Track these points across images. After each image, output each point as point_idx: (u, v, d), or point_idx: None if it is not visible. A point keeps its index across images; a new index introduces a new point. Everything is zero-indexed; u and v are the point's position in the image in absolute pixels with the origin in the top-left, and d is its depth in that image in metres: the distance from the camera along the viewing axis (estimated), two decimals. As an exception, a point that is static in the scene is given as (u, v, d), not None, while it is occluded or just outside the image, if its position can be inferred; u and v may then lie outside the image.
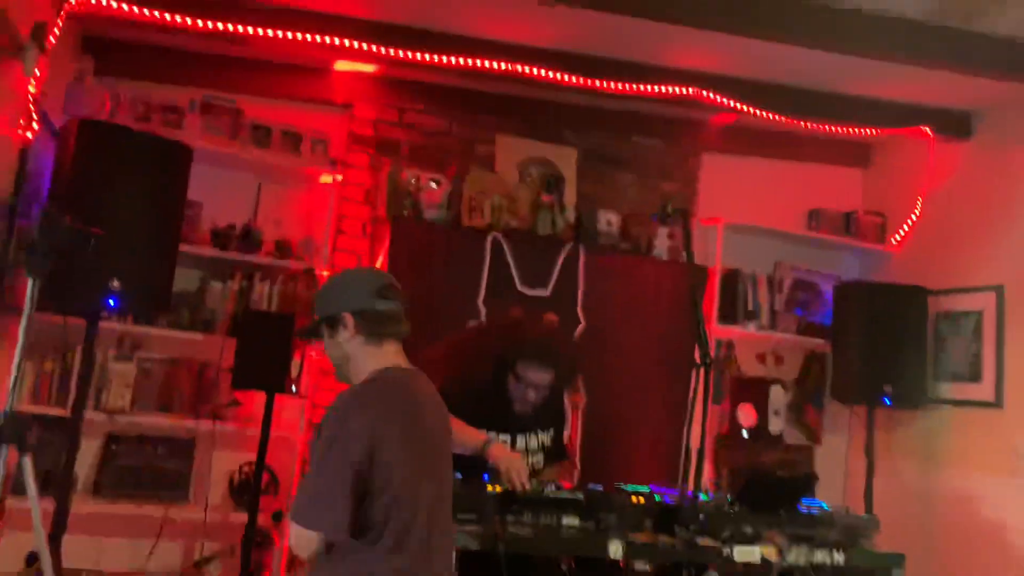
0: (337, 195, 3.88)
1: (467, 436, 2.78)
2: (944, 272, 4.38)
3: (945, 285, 4.35)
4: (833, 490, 4.34)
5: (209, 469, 3.54)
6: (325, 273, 3.74)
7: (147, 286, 2.89)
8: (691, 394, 2.81)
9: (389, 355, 2.09)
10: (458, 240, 3.73)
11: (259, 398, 3.51)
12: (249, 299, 3.59)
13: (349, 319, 2.06)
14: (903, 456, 4.47)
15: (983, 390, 4.13)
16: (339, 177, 3.87)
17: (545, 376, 3.03)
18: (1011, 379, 4.02)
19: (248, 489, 3.48)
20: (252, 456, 3.45)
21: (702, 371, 2.86)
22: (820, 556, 2.77)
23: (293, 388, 3.37)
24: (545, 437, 3.22)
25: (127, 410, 3.45)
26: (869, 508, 4.16)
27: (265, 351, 3.32)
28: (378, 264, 3.80)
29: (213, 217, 3.74)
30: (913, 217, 4.58)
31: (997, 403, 4.05)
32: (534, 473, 3.15)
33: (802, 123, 4.27)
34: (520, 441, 3.13)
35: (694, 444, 2.80)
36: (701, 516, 2.73)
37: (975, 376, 4.18)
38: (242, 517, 3.36)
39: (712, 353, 4.43)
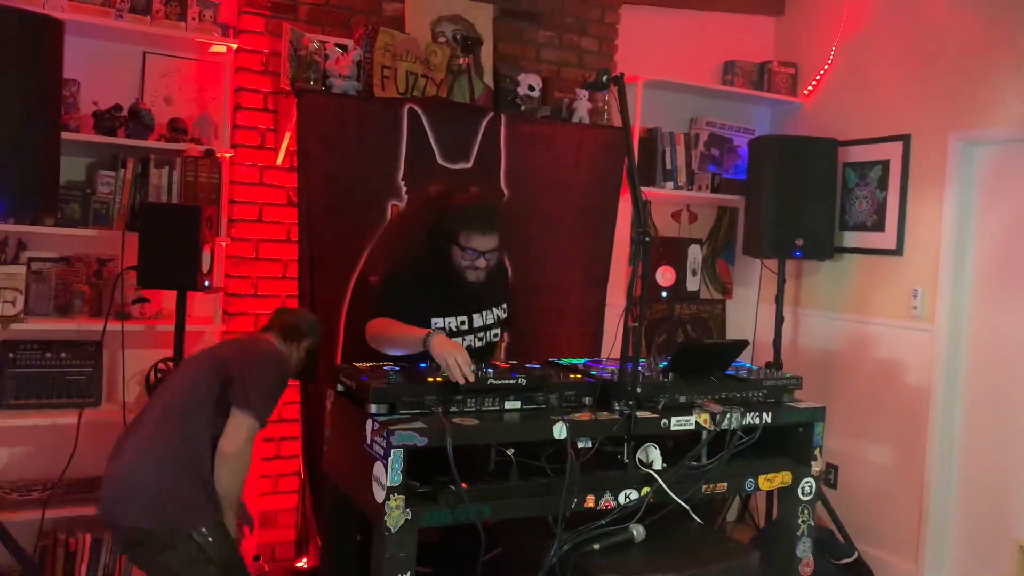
0: (232, 65, 3.48)
1: (409, 336, 2.69)
2: (853, 123, 4.42)
3: (854, 136, 4.41)
4: (744, 337, 4.51)
5: (122, 370, 3.32)
6: (228, 155, 3.41)
7: (28, 181, 2.56)
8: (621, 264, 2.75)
9: None
10: (372, 113, 3.42)
11: (167, 292, 3.29)
12: (146, 188, 3.25)
13: None
14: (809, 304, 4.67)
15: (886, 239, 4.29)
16: (233, 45, 3.45)
17: (492, 240, 2.95)
18: (912, 228, 4.18)
19: (166, 387, 3.29)
20: (164, 353, 3.25)
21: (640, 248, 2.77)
22: (750, 418, 2.86)
23: (206, 283, 3.14)
24: (499, 311, 3.19)
25: (21, 317, 3.15)
26: (778, 355, 4.37)
27: (172, 246, 3.05)
28: (285, 143, 3.50)
29: (93, 96, 3.30)
30: (825, 67, 4.56)
31: (898, 251, 4.23)
32: (489, 350, 3.14)
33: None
34: (477, 319, 3.09)
35: (631, 321, 2.80)
36: (639, 390, 2.75)
37: (879, 225, 4.33)
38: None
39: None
